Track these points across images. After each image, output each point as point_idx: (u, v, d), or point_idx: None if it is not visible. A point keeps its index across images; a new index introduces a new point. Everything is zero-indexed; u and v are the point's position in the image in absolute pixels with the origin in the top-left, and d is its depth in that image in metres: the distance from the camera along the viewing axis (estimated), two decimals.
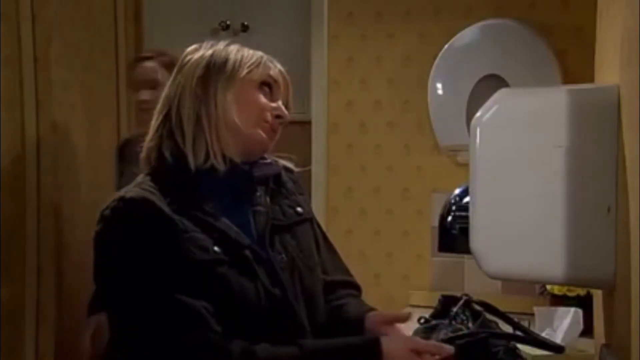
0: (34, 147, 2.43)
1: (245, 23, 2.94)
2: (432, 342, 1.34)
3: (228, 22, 2.96)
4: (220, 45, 1.43)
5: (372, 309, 1.49)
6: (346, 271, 1.59)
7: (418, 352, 1.27)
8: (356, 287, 1.57)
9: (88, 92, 2.71)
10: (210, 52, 1.41)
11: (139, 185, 1.34)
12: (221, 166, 1.36)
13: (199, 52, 1.42)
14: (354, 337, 1.37)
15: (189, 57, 1.42)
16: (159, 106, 1.42)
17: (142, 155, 1.41)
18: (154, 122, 1.41)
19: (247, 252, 1.33)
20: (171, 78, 1.42)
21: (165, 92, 1.42)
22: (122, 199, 1.30)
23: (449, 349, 1.30)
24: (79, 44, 2.65)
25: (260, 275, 1.33)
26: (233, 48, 1.43)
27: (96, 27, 2.78)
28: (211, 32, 2.97)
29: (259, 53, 1.43)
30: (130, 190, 1.33)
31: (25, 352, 2.40)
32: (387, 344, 1.27)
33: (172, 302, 1.25)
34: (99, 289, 1.32)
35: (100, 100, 2.80)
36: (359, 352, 1.28)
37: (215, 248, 1.30)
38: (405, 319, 1.43)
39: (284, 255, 1.38)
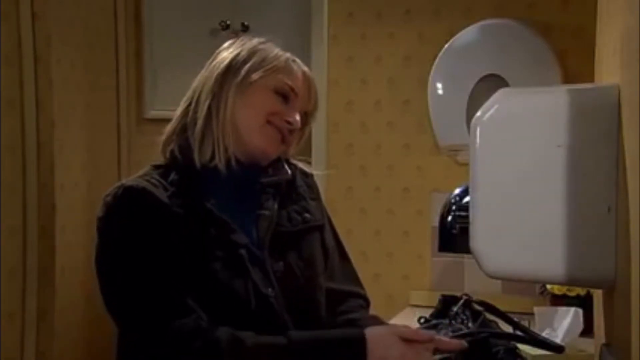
0: (34, 147, 2.43)
1: (245, 23, 2.93)
2: (415, 331, 1.33)
3: (228, 22, 2.95)
4: (251, 44, 1.42)
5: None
6: (356, 281, 1.57)
7: (404, 341, 1.27)
8: (364, 299, 1.56)
9: (88, 92, 2.71)
10: (237, 50, 1.41)
11: (143, 176, 1.36)
12: (223, 167, 1.36)
13: (229, 49, 1.43)
14: (342, 330, 1.36)
15: (220, 53, 1.43)
16: (183, 99, 1.43)
17: (160, 147, 1.42)
18: (176, 114, 1.42)
19: (243, 251, 1.33)
20: (200, 73, 1.43)
21: (192, 85, 1.43)
22: (122, 186, 1.32)
23: (428, 335, 1.29)
24: (79, 44, 2.66)
25: (253, 276, 1.32)
26: (260, 49, 1.41)
27: (96, 27, 2.78)
28: (211, 32, 2.96)
29: (284, 57, 1.41)
30: (131, 180, 1.34)
31: (25, 352, 2.40)
32: (373, 336, 1.27)
33: (162, 291, 1.26)
34: (97, 274, 1.33)
35: (100, 99, 2.80)
36: (346, 344, 1.27)
37: (211, 244, 1.30)
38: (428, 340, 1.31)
39: (281, 263, 1.37)
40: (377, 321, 1.47)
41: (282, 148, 1.43)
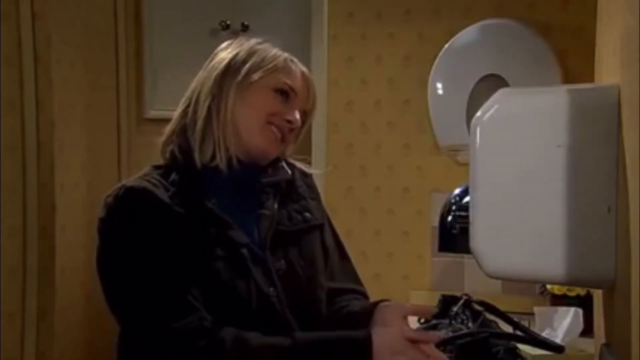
0: (34, 147, 2.43)
1: (245, 23, 2.94)
2: (421, 330, 1.33)
3: (228, 22, 2.96)
4: (249, 44, 1.42)
5: (381, 300, 1.44)
6: (356, 279, 1.57)
7: (412, 341, 1.26)
8: (363, 295, 1.55)
9: (88, 92, 2.71)
10: (235, 51, 1.41)
11: (143, 177, 1.36)
12: (225, 167, 1.36)
13: (227, 49, 1.43)
14: (347, 332, 1.35)
15: (217, 54, 1.43)
16: (181, 100, 1.43)
17: (159, 148, 1.42)
18: (175, 115, 1.42)
19: (244, 250, 1.33)
20: (199, 73, 1.43)
21: (190, 86, 1.43)
22: (123, 187, 1.32)
23: (437, 335, 1.30)
24: (79, 44, 2.65)
25: (255, 275, 1.33)
26: (259, 49, 1.41)
27: (96, 27, 2.78)
28: (211, 32, 2.97)
29: (282, 57, 1.42)
30: (132, 180, 1.35)
31: (25, 352, 2.40)
32: (379, 338, 1.26)
33: (165, 290, 1.26)
34: (99, 275, 1.33)
35: (100, 99, 2.80)
36: (350, 346, 1.27)
37: (212, 244, 1.31)
38: (428, 313, 1.37)
39: (283, 262, 1.38)
40: (366, 302, 1.46)
41: (282, 147, 1.43)
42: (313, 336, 1.30)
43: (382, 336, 1.26)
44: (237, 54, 1.40)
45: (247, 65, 1.39)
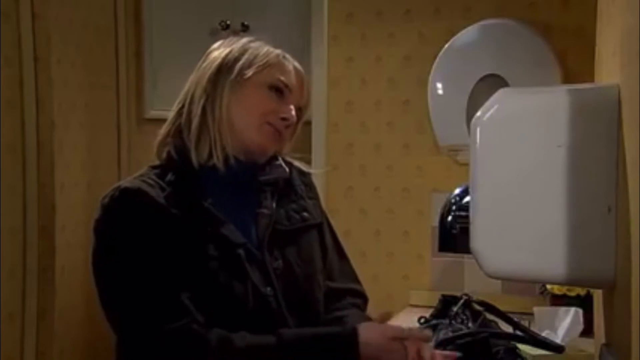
0: (34, 147, 2.43)
1: (245, 23, 2.93)
2: (409, 329, 1.34)
3: (228, 22, 2.95)
4: (241, 42, 1.42)
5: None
6: (355, 279, 1.57)
7: (396, 340, 1.27)
8: (362, 296, 1.56)
9: (88, 92, 2.71)
10: (227, 50, 1.41)
11: (140, 177, 1.36)
12: (222, 165, 1.36)
13: (219, 49, 1.43)
14: (332, 327, 1.35)
15: (210, 53, 1.43)
16: (175, 102, 1.43)
17: (154, 149, 1.42)
18: (169, 116, 1.42)
19: (241, 251, 1.33)
20: (192, 74, 1.43)
21: (184, 88, 1.43)
22: (118, 188, 1.32)
23: (427, 335, 1.30)
24: (79, 44, 2.66)
25: (252, 276, 1.32)
26: (251, 46, 1.41)
27: (96, 27, 2.78)
28: (211, 32, 2.96)
29: (275, 53, 1.41)
30: (128, 181, 1.35)
31: (25, 352, 2.40)
32: (365, 333, 1.27)
33: (157, 293, 1.26)
34: (94, 276, 1.33)
35: (100, 99, 2.80)
36: (336, 341, 1.28)
37: (208, 244, 1.30)
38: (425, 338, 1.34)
39: (280, 261, 1.37)
40: (362, 319, 1.46)
41: (279, 144, 1.43)
42: (299, 332, 1.30)
43: (369, 331, 1.27)
44: (229, 52, 1.40)
45: (240, 63, 1.38)
